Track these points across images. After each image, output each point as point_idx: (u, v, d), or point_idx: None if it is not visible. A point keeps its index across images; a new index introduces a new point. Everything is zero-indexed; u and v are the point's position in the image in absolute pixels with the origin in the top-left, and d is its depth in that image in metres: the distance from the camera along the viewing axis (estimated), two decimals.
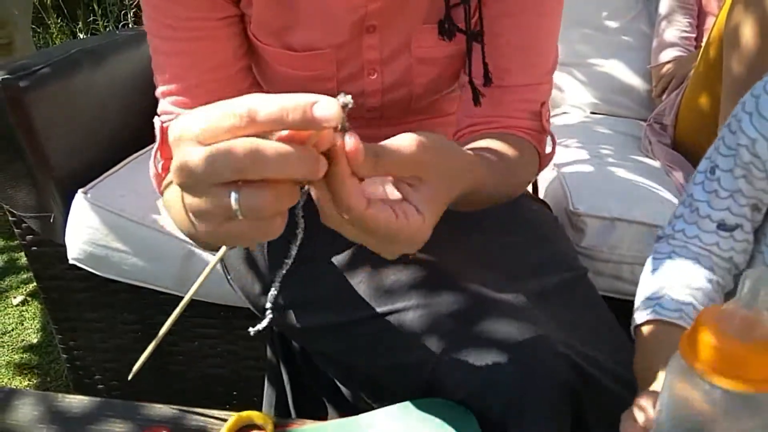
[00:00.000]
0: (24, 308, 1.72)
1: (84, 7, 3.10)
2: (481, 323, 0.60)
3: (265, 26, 0.68)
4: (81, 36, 2.88)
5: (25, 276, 1.86)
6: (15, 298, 1.75)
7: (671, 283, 0.59)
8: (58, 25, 2.94)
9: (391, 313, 0.64)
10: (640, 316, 0.59)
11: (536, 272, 0.71)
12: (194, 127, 0.35)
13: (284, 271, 0.47)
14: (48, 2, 2.86)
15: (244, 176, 0.34)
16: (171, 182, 0.63)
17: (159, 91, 0.68)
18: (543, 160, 0.73)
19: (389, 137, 0.70)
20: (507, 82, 0.69)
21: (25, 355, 1.55)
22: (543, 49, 0.70)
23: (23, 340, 1.60)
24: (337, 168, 0.38)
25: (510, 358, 0.58)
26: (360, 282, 0.67)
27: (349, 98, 0.36)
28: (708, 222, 0.61)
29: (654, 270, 0.61)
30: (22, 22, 2.39)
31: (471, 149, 0.59)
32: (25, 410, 0.62)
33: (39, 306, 1.72)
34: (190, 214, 0.38)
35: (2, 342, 1.59)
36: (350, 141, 0.38)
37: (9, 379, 1.47)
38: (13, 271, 1.88)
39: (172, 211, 0.62)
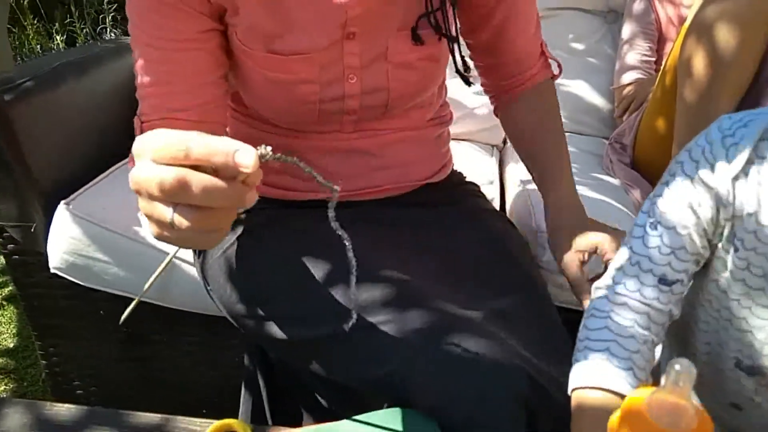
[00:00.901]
0: (0, 313, 1.73)
1: (61, 8, 3.09)
2: (445, 338, 0.65)
3: (255, 32, 0.72)
4: (58, 38, 2.88)
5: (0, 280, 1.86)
6: None
7: (611, 347, 0.59)
8: (35, 26, 2.92)
9: (363, 328, 0.68)
10: (579, 380, 0.59)
11: (499, 291, 0.76)
12: (149, 148, 0.41)
13: (354, 286, 0.53)
14: (24, 3, 2.84)
15: (175, 200, 0.40)
16: None
17: (140, 93, 0.72)
18: (554, 79, 0.96)
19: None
20: (516, 53, 0.90)
21: (1, 360, 1.56)
22: (533, 16, 0.89)
23: None
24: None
25: (471, 370, 0.63)
26: (335, 299, 0.72)
27: (268, 150, 0.41)
28: (650, 276, 0.61)
29: (593, 330, 0.62)
30: None
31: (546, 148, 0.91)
32: (15, 418, 0.65)
33: (15, 311, 1.73)
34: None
35: None
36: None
37: None
38: None
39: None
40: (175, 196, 0.40)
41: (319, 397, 0.81)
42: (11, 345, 1.61)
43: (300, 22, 0.72)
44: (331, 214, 0.46)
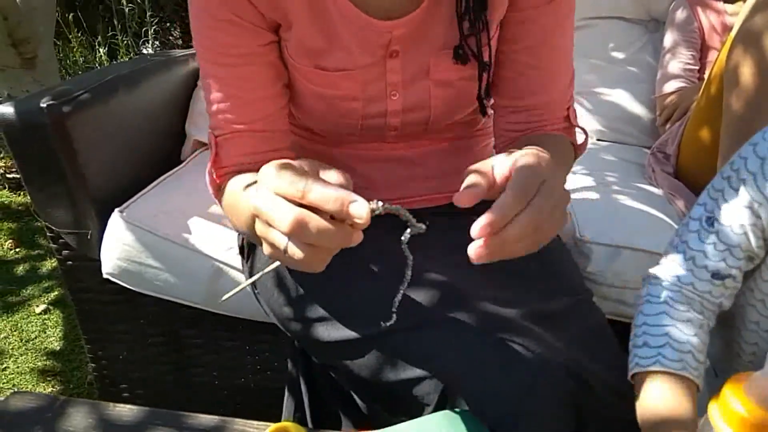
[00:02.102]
0: (46, 317, 1.78)
1: (103, 21, 3.18)
2: (490, 338, 0.66)
3: (302, 48, 0.74)
4: (100, 50, 2.96)
5: (46, 284, 1.92)
6: (38, 306, 1.81)
7: (671, 331, 0.61)
8: (79, 39, 3.01)
9: (407, 328, 0.69)
10: (642, 363, 0.61)
11: (543, 294, 0.77)
12: (272, 180, 0.48)
13: (400, 296, 0.57)
14: (69, 17, 2.94)
15: (291, 236, 0.46)
16: (228, 188, 0.73)
17: (209, 108, 0.75)
18: (577, 150, 0.84)
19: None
20: (536, 101, 0.80)
21: (48, 362, 1.61)
22: (563, 67, 0.81)
23: (46, 347, 1.66)
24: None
25: (517, 370, 0.64)
26: (381, 300, 0.73)
27: (380, 204, 0.46)
28: (704, 272, 0.62)
29: (651, 315, 0.63)
30: (45, 37, 2.48)
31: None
32: (78, 418, 0.67)
33: (61, 315, 1.78)
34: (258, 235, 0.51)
35: (26, 349, 1.65)
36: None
37: (33, 385, 1.53)
38: (35, 280, 1.95)
39: (232, 215, 0.74)
40: (292, 233, 0.46)
41: (360, 402, 0.82)
42: (58, 348, 1.66)
43: (345, 40, 0.74)
44: (404, 238, 0.51)
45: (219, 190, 0.76)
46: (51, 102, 1.03)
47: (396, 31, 0.73)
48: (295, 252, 0.46)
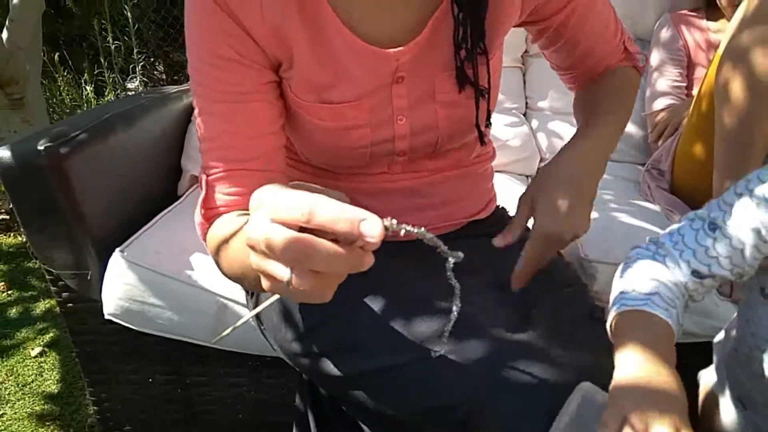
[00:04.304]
0: (42, 359, 1.75)
1: (88, 59, 3.19)
2: (507, 366, 0.66)
3: (307, 84, 0.74)
4: (87, 88, 2.96)
5: (41, 326, 1.89)
6: (33, 349, 1.78)
7: (637, 278, 0.64)
8: (65, 78, 3.01)
9: (422, 359, 0.68)
10: (629, 304, 0.63)
11: (555, 312, 0.76)
12: (270, 204, 0.41)
13: (450, 327, 0.57)
14: (55, 57, 2.94)
15: (295, 265, 0.40)
16: (220, 232, 0.69)
17: (203, 147, 0.72)
18: (641, 71, 0.94)
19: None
20: (603, 57, 0.89)
21: (46, 407, 1.57)
22: (606, 27, 0.87)
23: (43, 391, 1.62)
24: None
25: (541, 395, 0.63)
26: (393, 330, 0.73)
27: (393, 222, 0.41)
28: (686, 266, 0.64)
29: (623, 271, 0.67)
30: (33, 77, 2.47)
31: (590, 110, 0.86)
32: None
33: (57, 356, 1.75)
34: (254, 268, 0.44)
35: (23, 393, 1.62)
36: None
37: (31, 430, 1.49)
38: (28, 322, 1.91)
39: (221, 257, 0.68)
40: (296, 261, 0.40)
41: None
42: (56, 391, 1.62)
43: (351, 72, 0.74)
44: (449, 266, 0.48)
45: (206, 232, 0.73)
46: (48, 144, 1.02)
47: (402, 57, 0.74)
48: (301, 283, 0.40)
